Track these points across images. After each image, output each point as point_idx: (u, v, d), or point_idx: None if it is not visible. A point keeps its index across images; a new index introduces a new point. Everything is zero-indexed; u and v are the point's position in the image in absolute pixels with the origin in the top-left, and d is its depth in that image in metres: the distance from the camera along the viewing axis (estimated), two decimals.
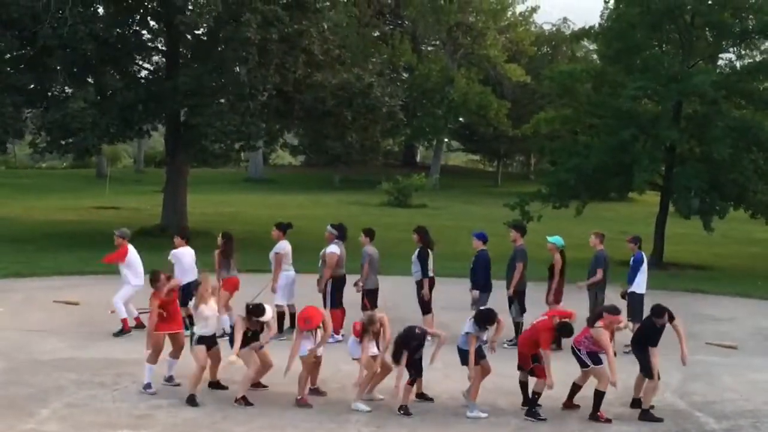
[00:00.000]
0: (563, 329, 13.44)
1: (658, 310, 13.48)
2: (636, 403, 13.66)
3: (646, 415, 13.20)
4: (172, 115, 33.39)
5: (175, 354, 14.25)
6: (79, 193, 51.21)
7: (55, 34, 29.04)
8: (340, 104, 32.72)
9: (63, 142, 31.24)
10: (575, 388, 13.65)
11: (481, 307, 14.37)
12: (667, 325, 13.55)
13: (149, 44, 35.02)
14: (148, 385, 13.78)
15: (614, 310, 13.59)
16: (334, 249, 17.62)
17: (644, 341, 13.57)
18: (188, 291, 16.34)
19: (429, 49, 70.20)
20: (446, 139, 71.83)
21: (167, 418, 12.69)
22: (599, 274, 17.67)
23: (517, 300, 17.77)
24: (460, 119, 67.18)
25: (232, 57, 31.07)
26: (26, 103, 31.86)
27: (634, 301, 17.49)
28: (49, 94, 32.06)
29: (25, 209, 41.97)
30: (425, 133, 64.09)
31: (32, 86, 31.53)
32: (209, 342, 13.59)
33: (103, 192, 49.93)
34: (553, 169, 33.88)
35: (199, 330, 13.53)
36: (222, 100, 32.05)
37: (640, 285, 17.63)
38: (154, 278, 14.21)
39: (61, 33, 29.01)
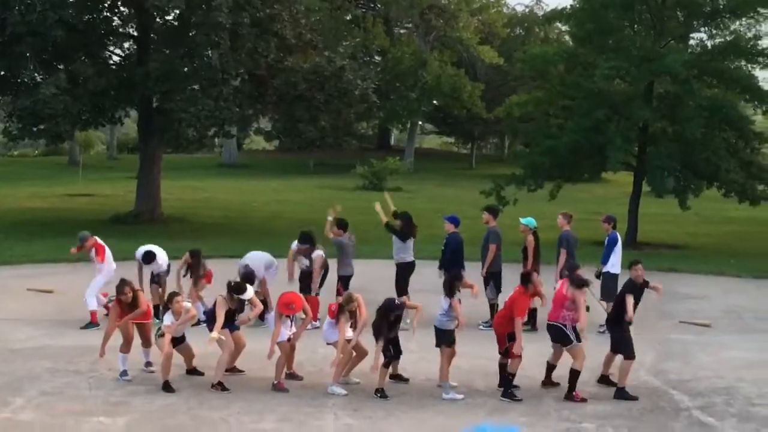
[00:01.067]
0: (524, 278, 13.76)
1: (633, 262, 14.16)
2: (604, 379, 13.78)
3: (622, 394, 13.30)
4: (144, 101, 33.20)
5: (145, 344, 14.28)
6: (51, 180, 50.84)
7: (24, 20, 28.77)
8: (313, 88, 32.62)
9: (35, 129, 31.05)
10: (551, 367, 13.74)
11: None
12: (639, 308, 13.74)
13: (120, 30, 34.79)
14: (123, 373, 13.78)
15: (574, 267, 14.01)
16: (321, 253, 17.62)
17: (620, 318, 13.66)
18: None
19: (402, 32, 69.96)
20: (420, 122, 71.76)
21: (143, 405, 12.68)
22: (562, 256, 17.51)
23: (493, 281, 17.77)
24: (434, 102, 67.06)
25: (203, 42, 30.89)
26: None
27: (608, 281, 17.56)
28: (19, 81, 31.83)
29: None
30: (399, 116, 63.97)
31: (2, 73, 31.30)
32: (176, 341, 13.62)
33: (76, 179, 49.62)
34: (527, 152, 33.96)
35: (167, 321, 13.53)
36: (194, 86, 31.90)
37: (614, 265, 17.71)
38: (119, 289, 14.06)
39: (29, 19, 28.72)
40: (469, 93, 61.11)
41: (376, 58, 63.38)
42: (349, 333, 13.48)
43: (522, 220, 18.09)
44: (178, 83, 31.15)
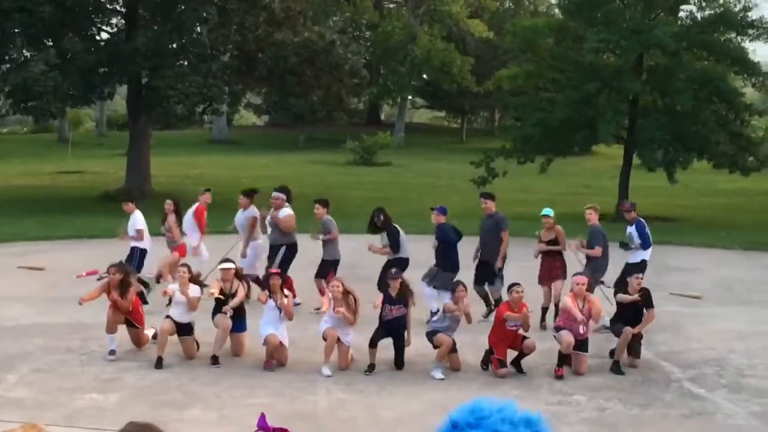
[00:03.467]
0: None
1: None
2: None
3: (616, 368, 13.41)
4: (133, 78, 33.08)
5: (137, 345, 14.17)
6: (41, 158, 50.70)
7: None
8: (303, 62, 32.56)
9: (24, 106, 30.98)
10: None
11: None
12: None
13: (108, 6, 34.60)
14: (111, 352, 13.72)
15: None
16: (290, 211, 17.09)
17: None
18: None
19: (391, 6, 69.78)
20: (410, 97, 71.57)
21: (135, 381, 12.73)
22: (598, 250, 15.89)
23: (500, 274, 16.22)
24: (424, 76, 66.91)
25: (191, 17, 30.78)
26: None
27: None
28: (7, 57, 31.68)
29: None
30: (389, 91, 63.81)
31: None
32: (182, 330, 13.61)
33: (66, 156, 49.53)
34: (518, 125, 33.96)
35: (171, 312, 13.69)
36: (183, 62, 31.79)
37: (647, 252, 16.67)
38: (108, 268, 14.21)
39: None
40: (459, 67, 60.93)
41: (366, 32, 63.09)
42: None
43: (549, 212, 16.46)
44: (167, 59, 31.05)
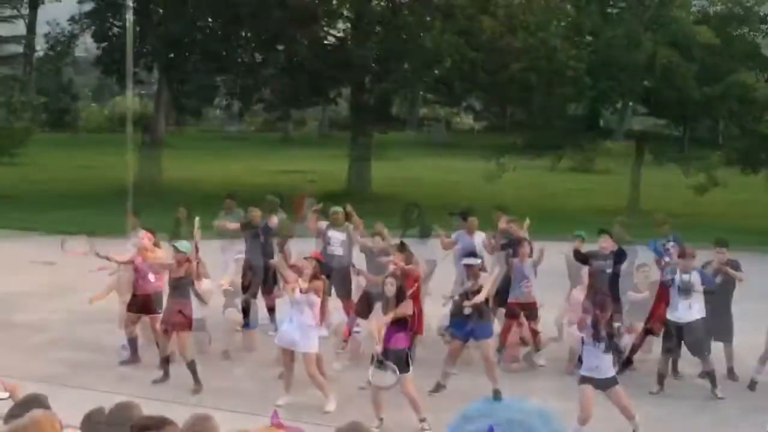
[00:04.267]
0: None
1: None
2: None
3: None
4: (358, 81, 34.95)
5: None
6: (264, 157, 51.56)
7: (245, 1, 31.23)
8: (524, 69, 33.15)
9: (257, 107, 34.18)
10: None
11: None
12: None
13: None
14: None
15: None
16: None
17: None
18: None
19: (614, 11, 68.88)
20: (631, 103, 70.45)
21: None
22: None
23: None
24: (645, 83, 65.79)
25: (415, 23, 32.80)
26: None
27: None
28: (239, 60, 34.21)
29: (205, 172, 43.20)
30: (609, 97, 63.23)
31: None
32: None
33: (288, 156, 51.01)
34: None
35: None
36: (407, 67, 33.30)
37: None
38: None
39: (250, 0, 31.30)
40: (683, 74, 59.64)
41: (588, 38, 62.89)
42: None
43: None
44: (392, 64, 32.80)
